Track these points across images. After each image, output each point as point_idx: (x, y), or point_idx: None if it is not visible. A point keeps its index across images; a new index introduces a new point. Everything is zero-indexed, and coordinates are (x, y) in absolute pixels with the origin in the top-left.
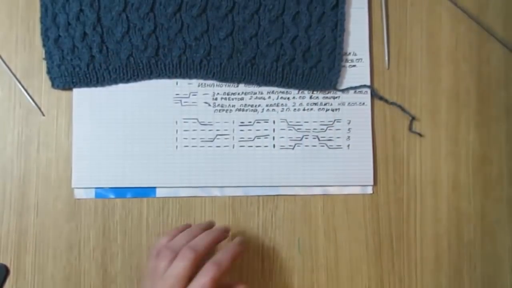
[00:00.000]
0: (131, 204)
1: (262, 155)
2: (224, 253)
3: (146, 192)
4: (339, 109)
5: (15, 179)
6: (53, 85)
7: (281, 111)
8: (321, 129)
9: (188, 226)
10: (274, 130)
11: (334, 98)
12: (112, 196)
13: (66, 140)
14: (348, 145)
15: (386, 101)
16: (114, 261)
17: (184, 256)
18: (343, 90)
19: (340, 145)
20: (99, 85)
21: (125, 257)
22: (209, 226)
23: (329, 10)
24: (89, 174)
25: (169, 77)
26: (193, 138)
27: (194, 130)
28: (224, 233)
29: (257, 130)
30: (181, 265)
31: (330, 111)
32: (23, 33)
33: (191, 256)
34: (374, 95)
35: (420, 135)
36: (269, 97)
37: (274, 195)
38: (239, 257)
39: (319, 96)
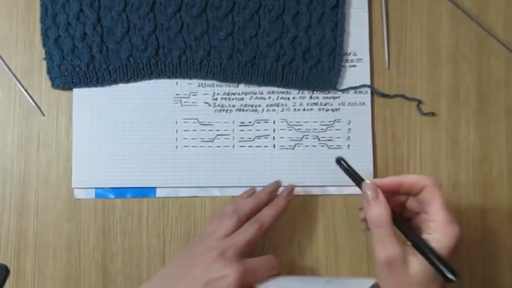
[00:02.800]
0: (131, 204)
1: (262, 155)
2: (268, 209)
3: (146, 192)
4: (339, 109)
5: (15, 179)
6: (53, 85)
7: (281, 111)
8: (321, 129)
9: (252, 192)
10: (274, 130)
11: (334, 98)
12: (112, 196)
13: (66, 140)
14: (348, 145)
15: (387, 96)
16: (114, 261)
17: (252, 224)
18: (343, 90)
19: (340, 145)
20: (99, 85)
21: (125, 257)
22: (276, 189)
23: (329, 10)
24: (89, 174)
25: (169, 77)
26: (193, 138)
27: (194, 130)
28: (288, 201)
29: (257, 130)
30: (248, 231)
31: (330, 111)
32: (23, 33)
33: (257, 226)
34: (375, 93)
35: (433, 114)
36: (269, 97)
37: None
38: (285, 211)
39: (319, 96)
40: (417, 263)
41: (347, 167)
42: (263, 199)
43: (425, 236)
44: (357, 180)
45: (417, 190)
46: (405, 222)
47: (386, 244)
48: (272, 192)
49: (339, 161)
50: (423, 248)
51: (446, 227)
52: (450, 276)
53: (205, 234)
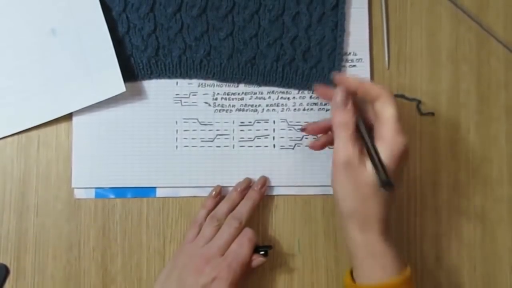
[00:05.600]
0: (131, 204)
1: (262, 155)
2: (243, 205)
3: (146, 192)
4: None
5: (15, 179)
6: None
7: (281, 111)
8: None
9: (218, 190)
10: (274, 130)
11: None
12: (112, 196)
13: (66, 140)
14: None
15: None
16: (114, 261)
17: (231, 225)
18: None
19: None
20: None
21: (125, 257)
22: (247, 186)
23: (329, 10)
24: (89, 174)
25: (169, 77)
26: (193, 138)
27: (194, 130)
28: (262, 193)
29: (257, 130)
30: (228, 231)
31: (330, 111)
32: None
33: (236, 225)
34: None
35: (433, 114)
36: (269, 97)
37: (274, 195)
38: (260, 202)
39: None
40: (371, 167)
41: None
42: (236, 199)
43: (377, 142)
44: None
45: (372, 98)
46: (365, 127)
47: (347, 145)
48: (244, 190)
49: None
50: (370, 151)
51: (394, 137)
52: (384, 182)
53: (186, 242)
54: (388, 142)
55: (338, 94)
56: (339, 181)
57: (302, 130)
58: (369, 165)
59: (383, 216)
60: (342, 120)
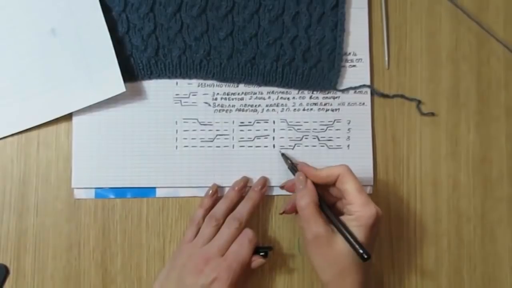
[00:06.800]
0: (131, 204)
1: (262, 155)
2: (243, 206)
3: (146, 192)
4: (339, 109)
5: (15, 179)
6: None
7: (281, 111)
8: (321, 129)
9: (215, 189)
10: (274, 130)
11: (334, 98)
12: (112, 196)
13: (66, 140)
14: (348, 145)
15: (387, 96)
16: (114, 261)
17: (231, 225)
18: (343, 90)
19: (340, 145)
20: None
21: (125, 257)
22: (244, 184)
23: (329, 10)
24: (89, 174)
25: (169, 77)
26: (193, 138)
27: (194, 130)
28: (262, 194)
29: (257, 130)
30: (228, 232)
31: (330, 111)
32: None
33: (236, 226)
34: (375, 93)
35: (433, 114)
36: (269, 97)
37: (274, 195)
38: (260, 203)
39: (319, 96)
40: (341, 241)
41: (288, 159)
42: (234, 198)
43: (347, 217)
44: (294, 171)
45: (333, 180)
46: (328, 207)
47: (311, 223)
48: (241, 189)
49: (283, 154)
50: (342, 230)
51: (363, 209)
52: (364, 255)
53: (184, 241)
54: (357, 216)
55: (297, 178)
56: (312, 255)
57: (282, 187)
58: (339, 241)
59: (362, 279)
60: (303, 203)
